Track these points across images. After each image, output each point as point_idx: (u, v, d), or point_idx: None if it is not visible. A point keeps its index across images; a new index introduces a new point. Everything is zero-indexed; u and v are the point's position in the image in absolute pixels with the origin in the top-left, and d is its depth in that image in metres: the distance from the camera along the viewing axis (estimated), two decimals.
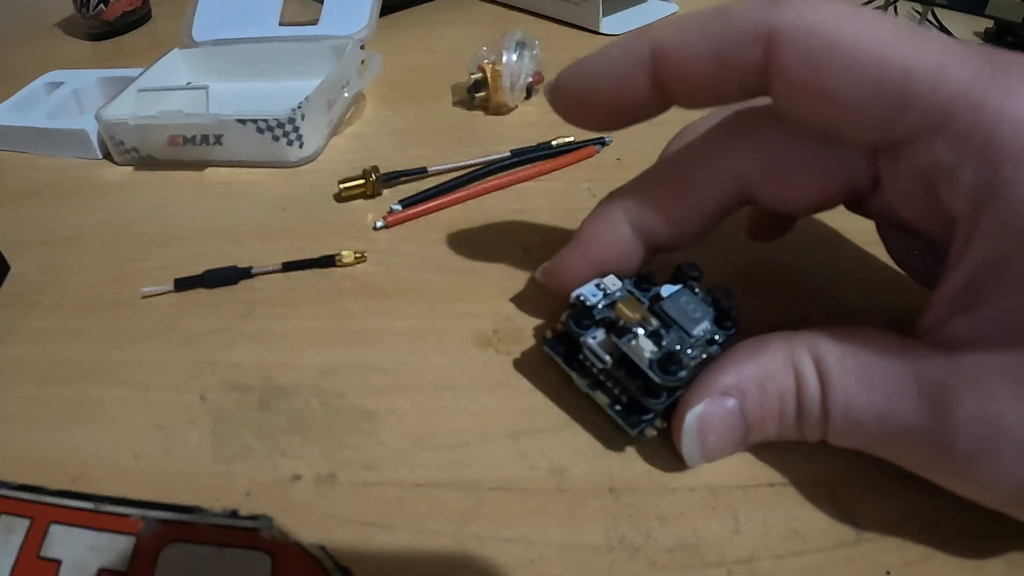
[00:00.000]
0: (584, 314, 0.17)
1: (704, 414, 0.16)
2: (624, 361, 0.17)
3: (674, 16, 0.16)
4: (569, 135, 0.29)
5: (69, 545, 0.17)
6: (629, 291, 0.18)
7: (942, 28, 0.40)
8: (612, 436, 0.18)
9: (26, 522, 0.18)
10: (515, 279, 0.23)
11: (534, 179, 0.27)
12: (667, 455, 0.17)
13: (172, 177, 0.31)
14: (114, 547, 0.17)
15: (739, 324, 0.18)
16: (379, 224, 0.26)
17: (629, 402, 0.17)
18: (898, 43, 0.13)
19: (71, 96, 0.36)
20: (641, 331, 0.16)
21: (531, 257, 0.24)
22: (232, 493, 0.18)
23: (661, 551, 0.15)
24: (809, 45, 0.14)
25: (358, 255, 0.24)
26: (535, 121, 0.32)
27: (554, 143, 0.29)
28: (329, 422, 0.19)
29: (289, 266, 0.24)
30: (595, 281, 0.18)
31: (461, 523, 0.16)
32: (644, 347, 0.16)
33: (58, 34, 0.50)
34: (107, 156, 0.33)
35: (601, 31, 0.39)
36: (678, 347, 0.17)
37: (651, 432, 0.17)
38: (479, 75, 0.31)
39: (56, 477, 0.19)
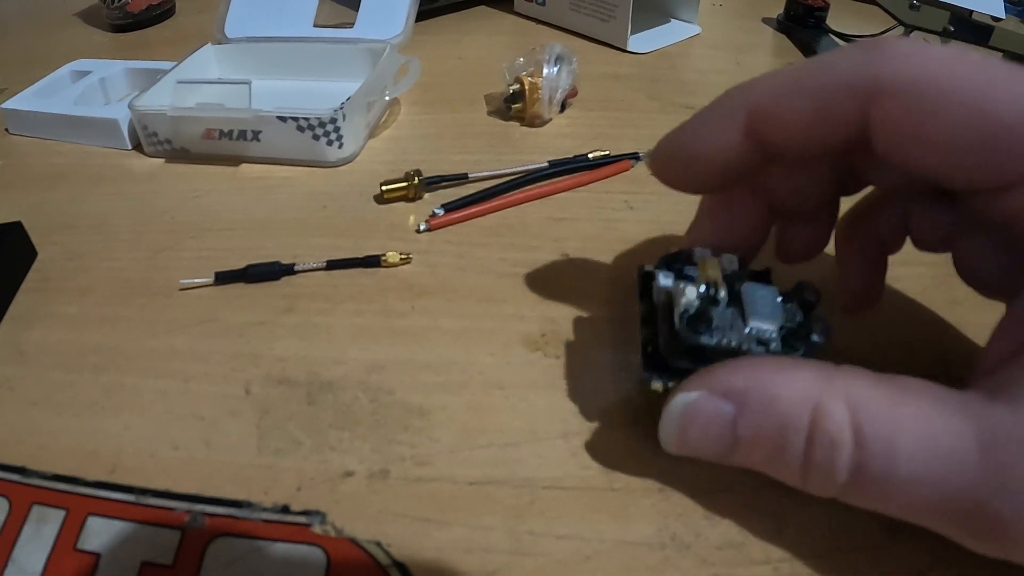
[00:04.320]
0: (677, 259, 0.18)
1: (693, 404, 0.14)
2: (670, 309, 0.16)
3: (766, 73, 0.16)
4: (604, 149, 0.30)
5: (109, 538, 0.17)
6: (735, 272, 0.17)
7: None
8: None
9: (61, 513, 0.18)
10: (558, 284, 0.23)
11: (572, 190, 0.28)
12: None
13: (205, 170, 0.31)
14: (158, 540, 0.17)
15: (814, 353, 0.16)
16: (422, 227, 0.26)
17: (655, 352, 0.17)
18: (1008, 87, 0.12)
19: (98, 85, 0.36)
20: (698, 289, 0.16)
21: (572, 263, 0.24)
22: (281, 487, 0.18)
23: (711, 548, 0.16)
24: (913, 96, 0.13)
25: (403, 256, 0.24)
26: (569, 134, 0.32)
27: (590, 156, 0.29)
28: (379, 418, 0.19)
29: (333, 264, 0.24)
30: (714, 252, 0.18)
31: (516, 520, 0.17)
32: (688, 297, 0.16)
33: (78, 23, 0.50)
34: (136, 147, 0.32)
35: (628, 49, 0.40)
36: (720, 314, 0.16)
37: (656, 386, 0.17)
38: (517, 87, 0.31)
39: (91, 467, 0.18)
